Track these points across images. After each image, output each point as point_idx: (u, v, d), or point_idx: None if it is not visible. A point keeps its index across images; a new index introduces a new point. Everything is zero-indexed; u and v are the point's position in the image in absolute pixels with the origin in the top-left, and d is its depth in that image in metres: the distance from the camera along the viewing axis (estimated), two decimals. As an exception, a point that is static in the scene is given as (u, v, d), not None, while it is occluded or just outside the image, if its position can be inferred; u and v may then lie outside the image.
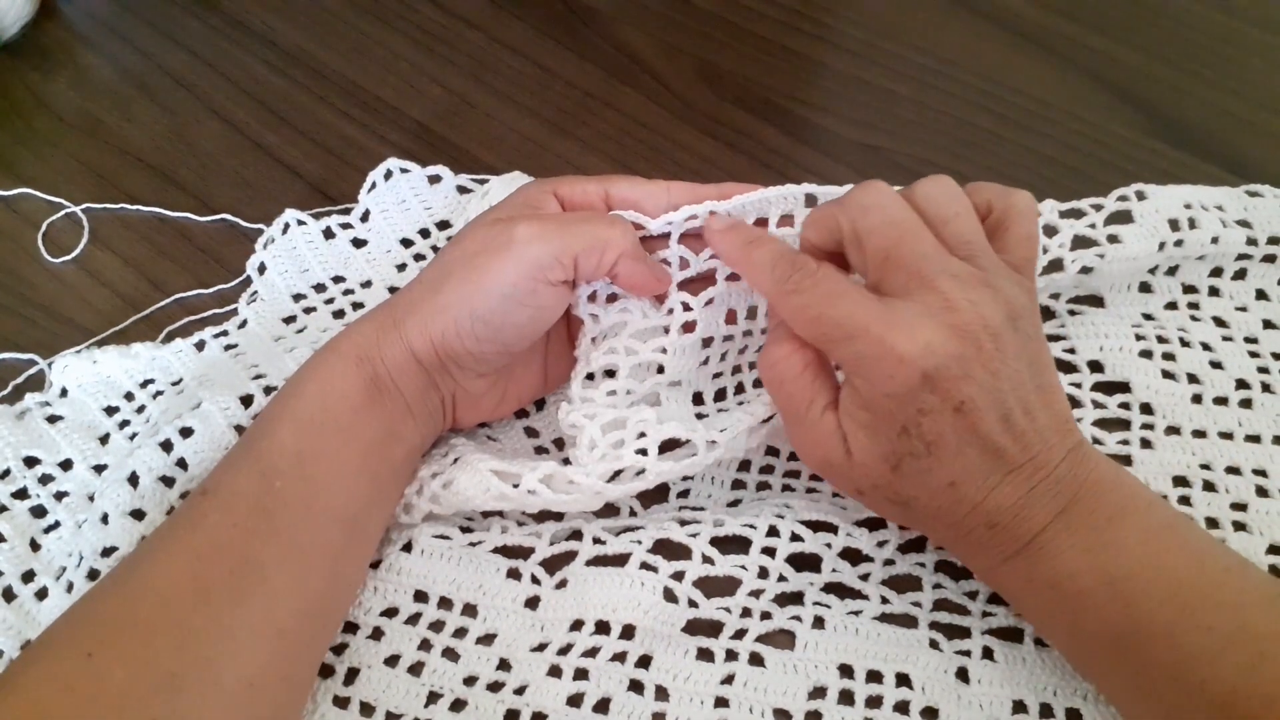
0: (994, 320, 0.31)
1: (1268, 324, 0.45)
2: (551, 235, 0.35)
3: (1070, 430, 0.33)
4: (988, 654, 0.36)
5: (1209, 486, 0.40)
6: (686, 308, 0.39)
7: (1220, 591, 0.30)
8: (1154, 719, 0.31)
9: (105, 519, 0.38)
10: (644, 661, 0.36)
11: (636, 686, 0.35)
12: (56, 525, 0.40)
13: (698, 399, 0.41)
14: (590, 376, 0.39)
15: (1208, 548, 0.32)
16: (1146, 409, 0.42)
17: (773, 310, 0.36)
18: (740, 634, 0.37)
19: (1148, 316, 0.45)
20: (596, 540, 0.38)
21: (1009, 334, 0.31)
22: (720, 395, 0.41)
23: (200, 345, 0.45)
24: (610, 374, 0.39)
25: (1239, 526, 0.39)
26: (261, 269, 0.48)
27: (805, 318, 0.33)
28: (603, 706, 0.35)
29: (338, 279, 0.48)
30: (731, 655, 0.36)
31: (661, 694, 0.35)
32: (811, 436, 0.34)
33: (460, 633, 0.37)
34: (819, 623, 0.37)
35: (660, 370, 0.39)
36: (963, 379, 0.30)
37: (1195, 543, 0.32)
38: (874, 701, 0.35)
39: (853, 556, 0.38)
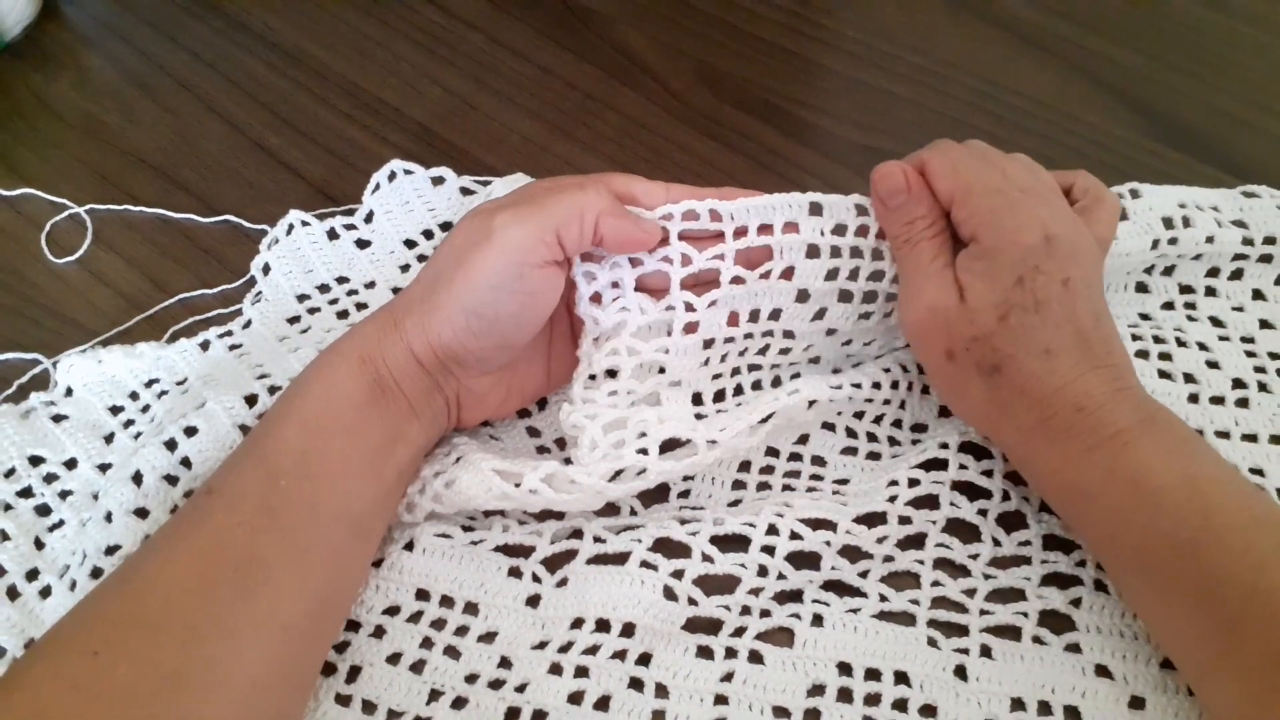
0: (1094, 246, 0.37)
1: (1264, 324, 0.45)
2: (527, 217, 0.35)
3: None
4: (986, 652, 0.36)
5: (1206, 485, 0.40)
6: (690, 308, 0.39)
7: None
8: (1211, 624, 0.32)
9: (109, 517, 0.38)
10: (644, 659, 0.36)
11: (636, 684, 0.36)
12: (61, 524, 0.40)
13: (696, 399, 0.41)
14: (593, 377, 0.39)
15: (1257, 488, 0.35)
16: (1144, 408, 0.42)
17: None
18: (739, 632, 0.37)
19: (1144, 316, 0.45)
20: (597, 539, 0.39)
21: (1100, 267, 0.37)
22: (719, 396, 0.42)
23: (205, 345, 0.45)
24: (612, 374, 0.39)
25: (1235, 525, 0.39)
26: (266, 269, 0.48)
27: (961, 167, 0.37)
28: (603, 704, 0.35)
29: (342, 279, 0.48)
30: (731, 653, 0.36)
31: (661, 691, 0.35)
32: (930, 283, 0.37)
33: (462, 631, 0.37)
34: (818, 620, 0.37)
35: (662, 370, 0.39)
36: (1072, 258, 0.35)
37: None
38: (872, 699, 0.35)
39: (852, 554, 0.39)
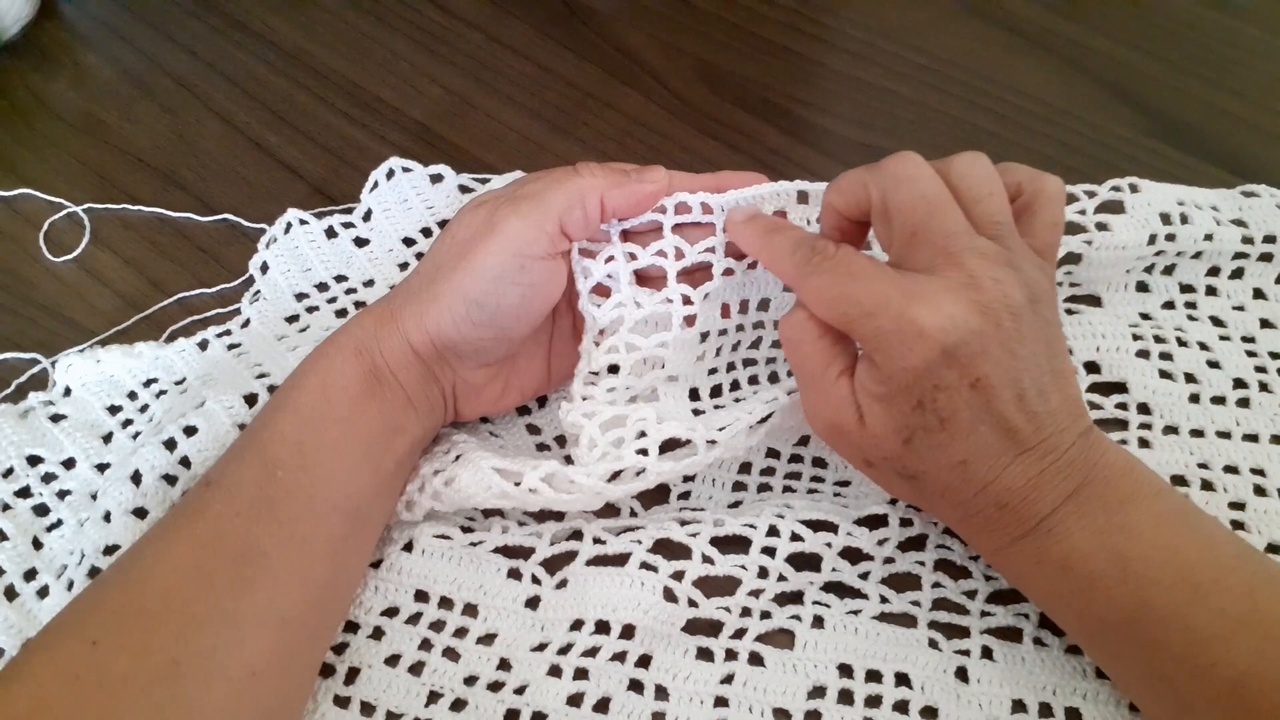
0: (1015, 300, 0.31)
1: (1265, 323, 0.45)
2: (528, 210, 0.36)
3: (1082, 414, 0.33)
4: (987, 653, 0.36)
5: (1207, 486, 0.40)
6: (687, 300, 0.39)
7: (1231, 576, 0.30)
8: (1164, 702, 0.32)
9: (107, 517, 0.38)
10: (644, 661, 0.36)
11: (636, 686, 0.35)
12: (59, 524, 0.40)
13: (694, 395, 0.41)
14: (594, 373, 0.39)
15: (1217, 533, 0.32)
16: (1144, 409, 0.42)
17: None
18: (740, 633, 0.37)
19: (1145, 316, 0.45)
20: (597, 540, 0.39)
21: (1029, 315, 0.31)
22: (716, 392, 0.42)
23: (203, 344, 0.45)
24: (614, 370, 0.39)
25: (1237, 525, 0.39)
26: (264, 268, 0.48)
27: (825, 297, 0.33)
28: (603, 706, 0.35)
29: (340, 278, 0.48)
30: (731, 655, 0.36)
31: (661, 693, 0.35)
32: (825, 400, 0.34)
33: (461, 632, 0.37)
34: (818, 622, 0.37)
35: (662, 366, 0.39)
36: (981, 355, 0.30)
37: (1205, 528, 0.32)
38: (873, 701, 0.35)
39: (852, 555, 0.39)
